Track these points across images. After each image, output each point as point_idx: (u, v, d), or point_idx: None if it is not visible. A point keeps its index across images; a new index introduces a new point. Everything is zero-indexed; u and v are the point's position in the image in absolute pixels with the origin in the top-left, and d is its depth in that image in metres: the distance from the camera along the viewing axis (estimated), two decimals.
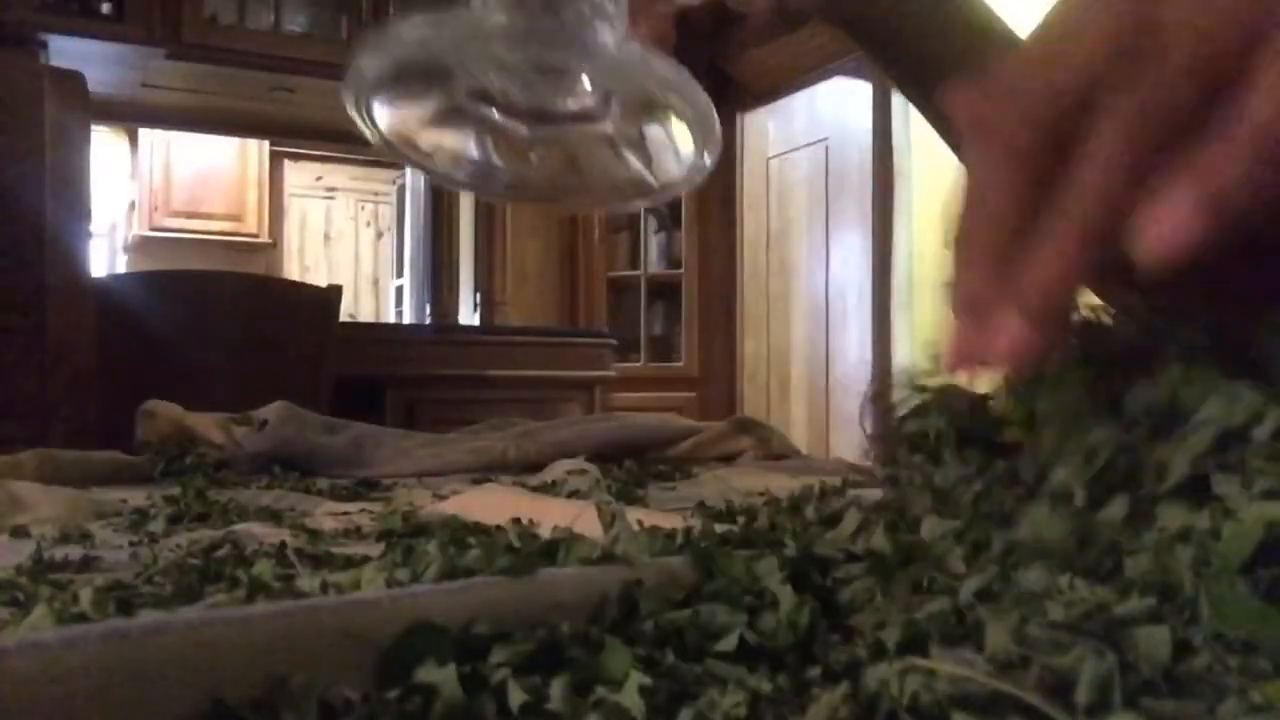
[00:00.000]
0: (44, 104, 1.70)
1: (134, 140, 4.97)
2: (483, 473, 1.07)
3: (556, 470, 0.99)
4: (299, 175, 5.39)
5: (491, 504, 0.70)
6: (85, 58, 2.70)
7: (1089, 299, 0.33)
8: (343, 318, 2.58)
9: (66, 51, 2.76)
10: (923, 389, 0.37)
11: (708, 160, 0.31)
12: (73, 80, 1.76)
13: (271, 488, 0.92)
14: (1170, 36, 0.26)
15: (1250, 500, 0.26)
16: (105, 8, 2.81)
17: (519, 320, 3.88)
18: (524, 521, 0.61)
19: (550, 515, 0.62)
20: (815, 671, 0.27)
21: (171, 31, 2.85)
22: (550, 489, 0.87)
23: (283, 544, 0.54)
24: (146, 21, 2.83)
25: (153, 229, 4.99)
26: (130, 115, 3.58)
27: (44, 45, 2.77)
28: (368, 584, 0.37)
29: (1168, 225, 0.25)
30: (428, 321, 4.35)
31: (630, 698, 0.25)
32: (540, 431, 1.20)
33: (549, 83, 0.26)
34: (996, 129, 0.28)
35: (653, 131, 0.26)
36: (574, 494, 0.83)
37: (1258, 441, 0.27)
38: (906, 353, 3.32)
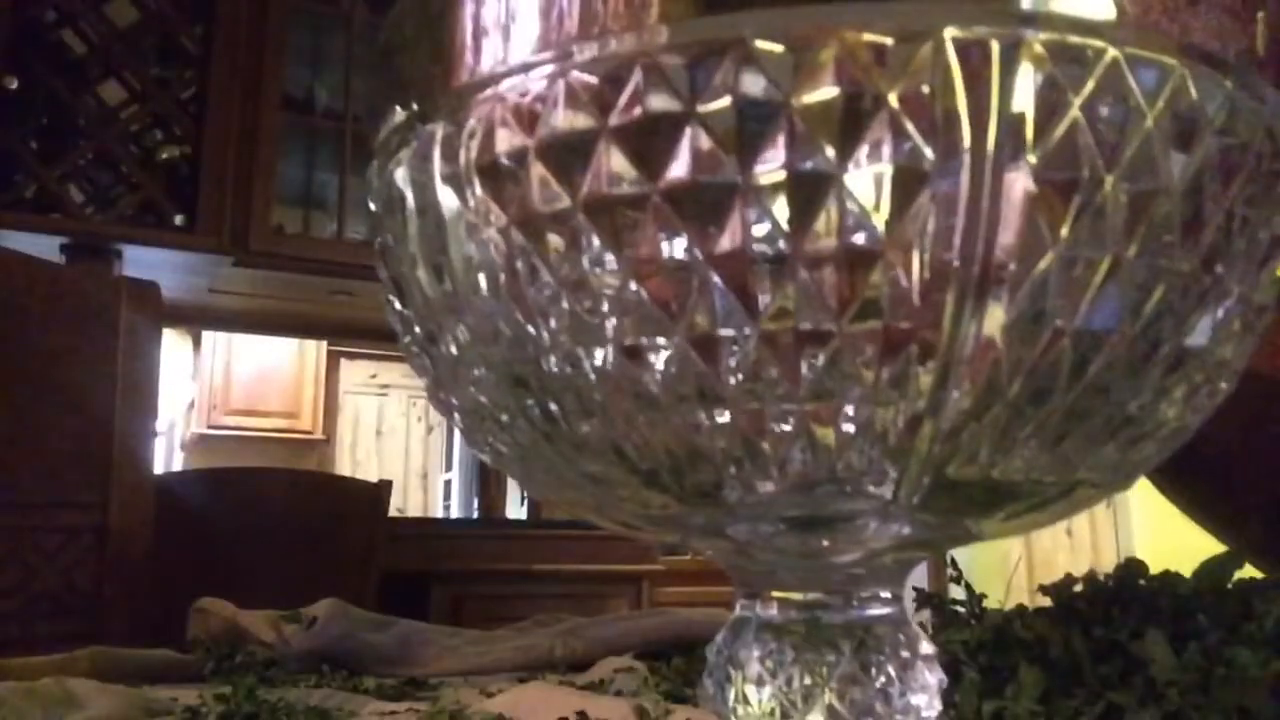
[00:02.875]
0: (120, 312, 1.79)
1: (197, 342, 5.16)
2: (529, 671, 1.06)
3: (604, 669, 0.98)
4: (354, 373, 5.54)
5: (539, 702, 0.70)
6: (157, 265, 2.84)
7: None
8: (391, 512, 2.60)
9: (140, 260, 2.90)
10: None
11: None
12: (149, 291, 1.86)
13: (319, 686, 0.92)
14: None
15: None
16: (178, 219, 2.98)
17: (565, 515, 3.89)
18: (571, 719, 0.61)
19: (599, 712, 0.62)
20: None
21: (240, 241, 3.00)
22: (598, 688, 0.87)
23: None
24: (217, 231, 2.98)
25: (210, 427, 5.10)
26: (197, 319, 3.72)
27: (119, 254, 2.92)
28: None
29: None
30: (475, 515, 4.36)
31: None
32: (587, 628, 1.20)
33: None
34: None
35: None
36: (621, 693, 0.82)
37: None
38: None
